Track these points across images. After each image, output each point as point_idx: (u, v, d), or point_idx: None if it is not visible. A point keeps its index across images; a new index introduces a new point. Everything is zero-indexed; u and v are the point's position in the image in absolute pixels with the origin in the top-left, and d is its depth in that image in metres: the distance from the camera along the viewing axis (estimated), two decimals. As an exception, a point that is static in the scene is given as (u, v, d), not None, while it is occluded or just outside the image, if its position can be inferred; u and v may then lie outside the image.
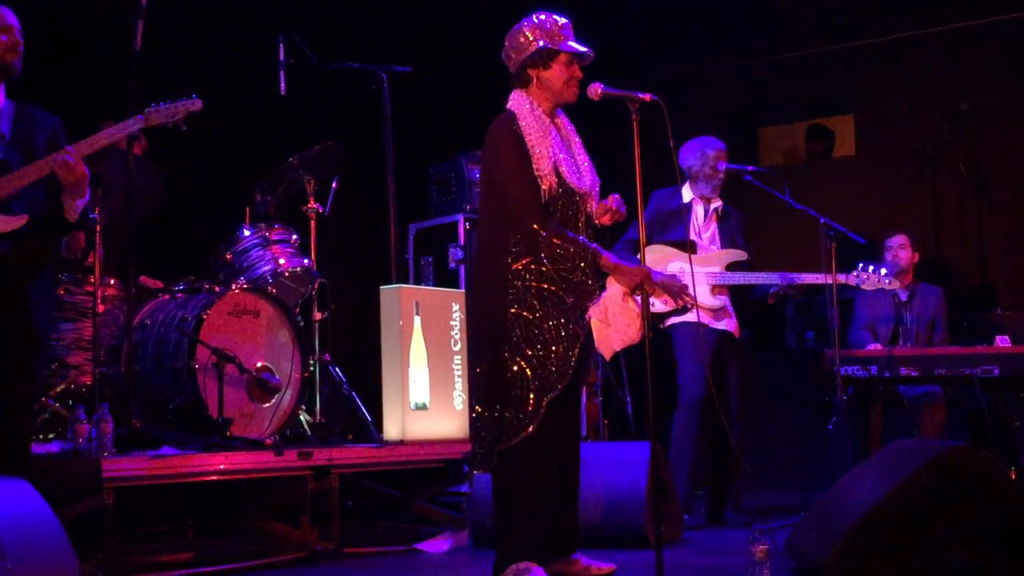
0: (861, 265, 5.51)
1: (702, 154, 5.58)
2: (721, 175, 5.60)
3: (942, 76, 7.29)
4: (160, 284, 5.43)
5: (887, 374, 5.63)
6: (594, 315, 3.78)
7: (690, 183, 5.65)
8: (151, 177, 5.64)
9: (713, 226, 5.63)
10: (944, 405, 6.00)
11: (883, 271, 5.52)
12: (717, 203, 5.65)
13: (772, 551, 3.50)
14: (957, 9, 7.23)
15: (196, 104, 3.99)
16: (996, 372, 5.52)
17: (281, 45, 5.75)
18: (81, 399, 4.83)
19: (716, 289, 5.48)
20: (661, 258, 5.41)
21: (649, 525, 4.50)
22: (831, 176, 7.77)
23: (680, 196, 5.61)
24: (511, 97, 3.86)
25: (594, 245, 3.77)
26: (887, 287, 5.58)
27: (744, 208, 5.87)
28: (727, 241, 5.60)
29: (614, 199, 3.88)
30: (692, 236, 5.55)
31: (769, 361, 7.15)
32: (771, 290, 5.53)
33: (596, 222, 3.91)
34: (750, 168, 5.76)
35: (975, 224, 7.11)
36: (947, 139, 7.01)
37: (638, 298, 3.73)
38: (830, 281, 5.33)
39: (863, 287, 5.54)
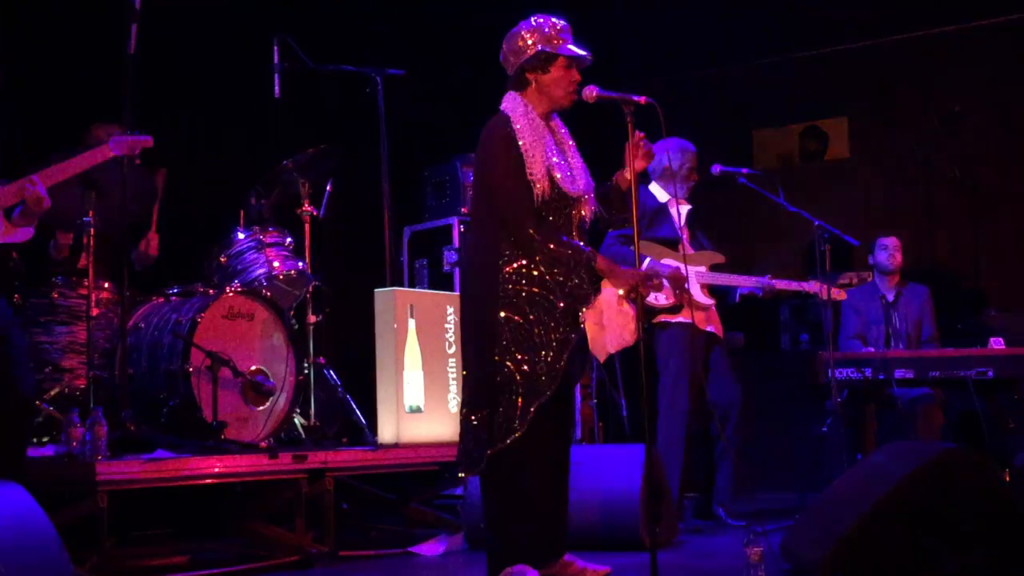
0: (843, 277, 5.58)
1: (682, 154, 5.58)
2: (696, 176, 5.62)
3: (936, 78, 7.30)
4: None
5: (881, 376, 5.65)
6: (588, 318, 3.78)
7: (660, 182, 5.64)
8: (144, 181, 5.64)
9: (685, 226, 5.64)
10: (939, 407, 6.02)
11: (863, 276, 5.58)
12: (688, 206, 5.66)
13: (766, 553, 3.51)
14: (951, 12, 7.24)
15: (148, 141, 4.28)
16: (990, 374, 5.54)
17: (275, 48, 5.75)
18: (75, 402, 4.81)
19: (705, 289, 5.53)
20: (656, 254, 5.41)
21: (644, 528, 4.50)
22: (825, 178, 7.78)
23: (653, 195, 5.62)
24: (505, 99, 3.84)
25: (588, 248, 3.77)
26: (867, 280, 5.64)
27: (738, 210, 5.90)
28: (696, 244, 5.64)
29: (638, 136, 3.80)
30: (674, 234, 5.56)
31: (764, 363, 7.15)
32: (742, 290, 5.58)
33: (630, 170, 3.85)
34: (744, 171, 5.77)
35: (969, 226, 7.12)
36: (941, 141, 7.02)
37: (632, 300, 3.74)
38: (812, 290, 5.42)
39: (842, 287, 5.60)
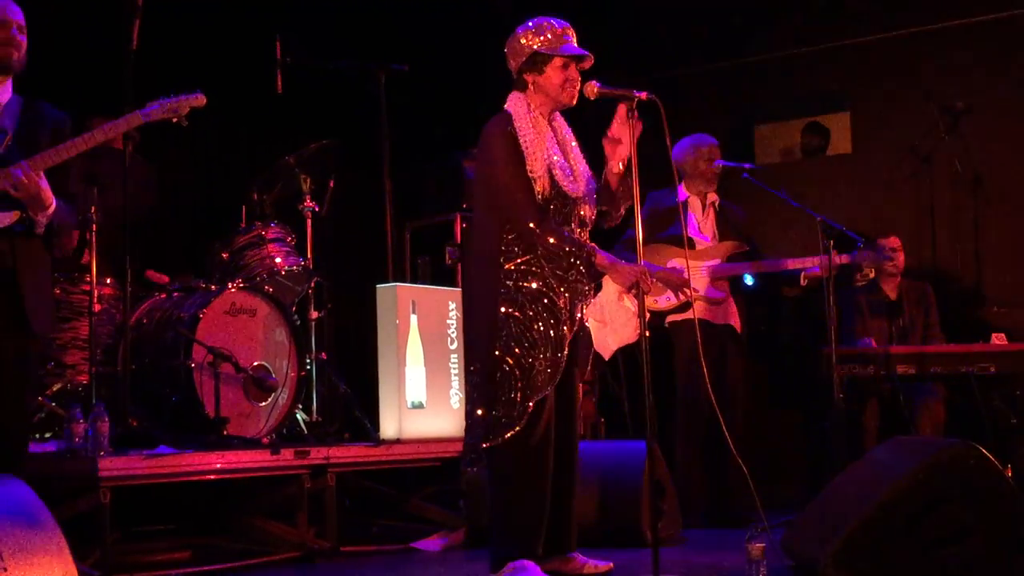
0: (861, 244, 5.53)
1: (694, 150, 5.64)
2: (715, 170, 5.64)
3: (938, 74, 7.29)
4: (167, 279, 5.42)
5: (883, 372, 5.65)
6: (591, 315, 3.79)
7: (685, 181, 5.69)
8: (146, 176, 5.64)
9: (712, 220, 5.66)
10: (941, 403, 6.01)
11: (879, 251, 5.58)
12: (713, 198, 5.68)
13: (768, 549, 3.51)
14: (953, 7, 7.23)
15: (199, 99, 3.89)
16: (992, 370, 5.54)
17: (277, 43, 5.75)
18: (77, 398, 4.82)
19: (717, 282, 5.52)
20: (661, 256, 5.42)
21: (646, 524, 4.50)
22: (827, 174, 7.77)
23: (673, 194, 5.63)
24: (509, 98, 3.86)
25: (590, 244, 3.77)
26: (888, 271, 5.65)
27: (741, 206, 5.88)
28: (727, 235, 5.64)
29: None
30: (693, 232, 5.57)
31: (766, 359, 7.15)
32: (808, 270, 5.51)
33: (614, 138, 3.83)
34: (747, 166, 5.76)
35: (971, 221, 7.11)
36: (943, 136, 7.01)
37: (634, 297, 3.74)
38: (809, 267, 5.41)
39: (864, 265, 5.57)
